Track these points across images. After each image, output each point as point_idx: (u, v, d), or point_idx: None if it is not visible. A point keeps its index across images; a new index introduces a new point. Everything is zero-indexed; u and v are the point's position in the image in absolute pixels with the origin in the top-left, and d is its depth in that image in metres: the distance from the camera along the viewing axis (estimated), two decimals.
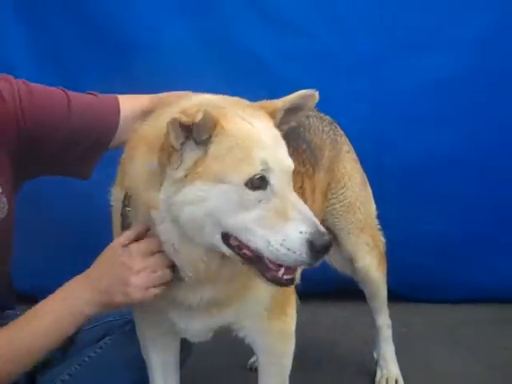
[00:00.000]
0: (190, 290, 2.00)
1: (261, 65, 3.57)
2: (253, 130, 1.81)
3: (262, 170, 1.77)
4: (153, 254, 1.95)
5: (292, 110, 1.98)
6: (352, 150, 2.81)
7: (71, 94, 2.34)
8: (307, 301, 3.21)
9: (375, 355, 3.07)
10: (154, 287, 1.97)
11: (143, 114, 2.28)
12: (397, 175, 3.65)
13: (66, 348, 2.42)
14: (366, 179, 2.86)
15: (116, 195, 2.07)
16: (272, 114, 1.93)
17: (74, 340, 2.39)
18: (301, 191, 2.34)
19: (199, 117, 1.73)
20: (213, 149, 1.78)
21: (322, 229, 1.77)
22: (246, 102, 1.96)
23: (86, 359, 2.45)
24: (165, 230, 1.88)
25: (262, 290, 2.10)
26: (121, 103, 2.37)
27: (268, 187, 1.78)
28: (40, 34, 3.52)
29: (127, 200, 1.99)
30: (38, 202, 3.39)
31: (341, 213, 2.75)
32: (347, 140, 2.80)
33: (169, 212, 1.82)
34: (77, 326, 2.06)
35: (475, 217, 3.70)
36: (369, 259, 2.82)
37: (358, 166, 2.82)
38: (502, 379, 3.09)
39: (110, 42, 3.49)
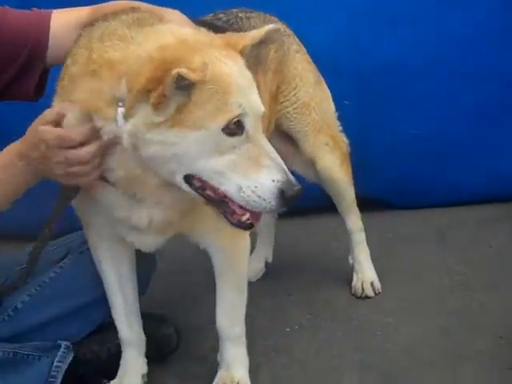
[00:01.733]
0: (138, 214, 2.01)
1: None
2: (231, 75, 1.79)
3: (239, 114, 1.78)
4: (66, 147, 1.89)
5: (256, 44, 1.96)
6: (303, 50, 2.72)
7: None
8: (293, 216, 3.23)
9: (350, 260, 3.02)
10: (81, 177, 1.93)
11: (83, 25, 2.19)
12: (377, 79, 3.52)
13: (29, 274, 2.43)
14: (322, 79, 2.78)
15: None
16: (241, 52, 1.90)
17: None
18: None
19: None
20: (196, 95, 1.75)
21: (293, 178, 1.81)
22: (216, 39, 1.91)
23: (46, 280, 2.48)
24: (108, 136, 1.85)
25: None
26: (58, 14, 2.29)
27: (244, 132, 1.79)
28: None
29: None
30: None
31: (295, 115, 2.69)
32: (297, 40, 2.72)
33: (132, 141, 1.80)
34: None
35: (459, 117, 3.58)
36: (330, 159, 2.76)
37: (311, 66, 2.73)
38: (483, 274, 3.05)
39: None
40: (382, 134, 3.59)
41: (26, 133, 1.99)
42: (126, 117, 1.78)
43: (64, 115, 1.90)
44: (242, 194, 1.79)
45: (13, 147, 2.01)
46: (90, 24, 2.09)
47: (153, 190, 1.94)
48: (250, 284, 2.82)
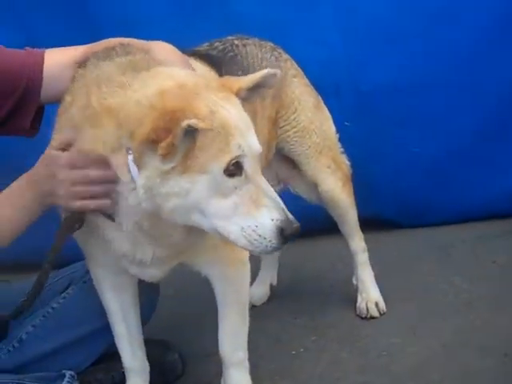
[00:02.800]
0: (142, 249, 2.03)
1: None
2: (230, 117, 1.82)
3: (239, 155, 1.80)
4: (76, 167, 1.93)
5: (254, 88, 1.97)
6: (300, 74, 2.74)
7: None
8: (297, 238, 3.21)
9: (354, 281, 3.01)
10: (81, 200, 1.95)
11: (78, 64, 2.21)
12: (377, 100, 3.52)
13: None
14: (321, 101, 2.80)
15: None
16: (236, 94, 1.92)
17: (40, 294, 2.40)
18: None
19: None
20: (200, 140, 1.78)
21: (291, 216, 1.83)
22: (212, 81, 1.95)
23: (50, 310, 2.50)
24: (132, 202, 1.89)
25: None
26: (52, 54, 2.30)
27: (243, 173, 1.82)
28: None
29: None
30: None
31: (296, 138, 2.71)
32: (294, 64, 2.73)
33: (149, 198, 1.82)
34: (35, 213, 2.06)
35: (461, 135, 3.57)
36: (332, 181, 2.77)
37: (309, 89, 2.75)
38: (487, 291, 3.03)
39: None
40: (384, 154, 3.59)
41: (37, 163, 2.02)
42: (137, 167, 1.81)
43: (70, 142, 1.93)
44: (243, 233, 1.82)
45: (23, 176, 2.04)
46: (83, 64, 2.11)
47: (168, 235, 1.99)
48: (255, 307, 2.85)
